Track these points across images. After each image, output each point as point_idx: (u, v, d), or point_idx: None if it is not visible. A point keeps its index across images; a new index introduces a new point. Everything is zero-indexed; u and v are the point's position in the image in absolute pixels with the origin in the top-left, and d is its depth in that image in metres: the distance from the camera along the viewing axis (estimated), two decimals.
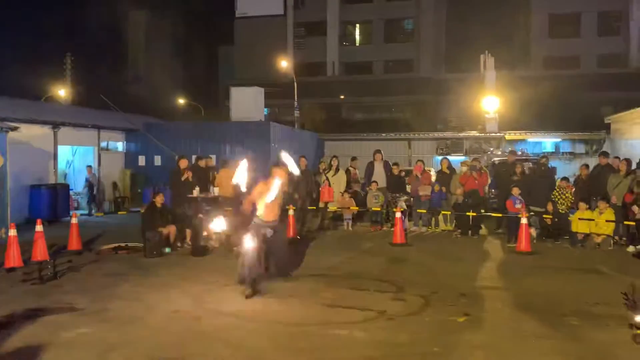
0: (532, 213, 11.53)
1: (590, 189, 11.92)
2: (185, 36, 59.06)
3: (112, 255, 9.95)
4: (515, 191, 11.72)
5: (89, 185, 16.77)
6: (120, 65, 54.22)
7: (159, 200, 10.18)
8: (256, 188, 7.46)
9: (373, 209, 13.47)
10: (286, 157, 7.93)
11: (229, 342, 5.34)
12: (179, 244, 10.38)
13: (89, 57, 41.81)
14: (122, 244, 10.49)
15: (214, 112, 36.71)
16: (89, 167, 17.21)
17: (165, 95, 43.54)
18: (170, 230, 10.09)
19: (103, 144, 18.53)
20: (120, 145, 19.43)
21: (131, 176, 19.00)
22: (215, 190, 11.04)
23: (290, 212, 11.95)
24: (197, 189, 10.53)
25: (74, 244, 10.27)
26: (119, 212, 17.22)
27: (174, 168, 11.43)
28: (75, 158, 18.36)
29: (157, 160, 18.70)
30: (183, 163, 10.83)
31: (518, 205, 11.48)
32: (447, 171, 13.53)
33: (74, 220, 10.49)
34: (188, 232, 10.51)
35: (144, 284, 7.66)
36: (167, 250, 10.03)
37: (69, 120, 17.09)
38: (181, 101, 40.95)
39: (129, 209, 17.62)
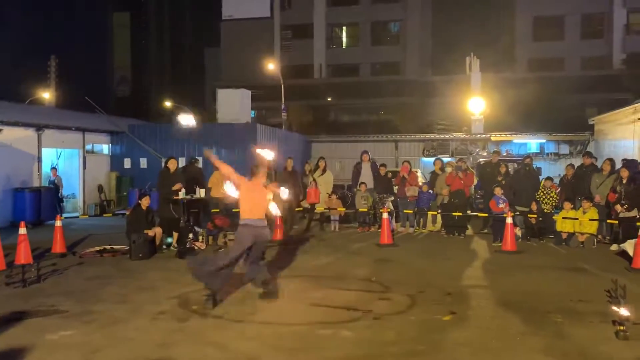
0: (517, 213, 11.63)
1: (575, 188, 12.06)
2: (172, 38, 58.86)
3: (96, 258, 9.87)
4: (498, 191, 11.82)
5: (54, 187, 16.25)
6: (105, 67, 53.82)
7: (145, 202, 10.11)
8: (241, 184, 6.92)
9: (361, 210, 13.49)
10: (264, 153, 7.59)
11: (216, 343, 5.32)
12: (164, 247, 10.31)
13: (74, 59, 41.41)
14: (107, 247, 10.41)
15: (200, 114, 36.56)
16: (54, 168, 16.82)
17: (151, 97, 43.22)
18: (156, 232, 10.03)
19: (88, 147, 18.37)
20: (105, 148, 19.27)
21: (117, 179, 18.85)
22: (202, 192, 10.97)
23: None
24: (183, 190, 10.47)
25: (58, 246, 10.16)
26: (105, 215, 17.07)
27: (162, 169, 11.34)
28: (60, 161, 18.17)
29: (143, 163, 18.56)
30: (172, 164, 10.76)
31: (501, 205, 11.57)
32: (440, 172, 13.59)
33: (58, 223, 10.39)
34: (175, 234, 10.47)
35: (129, 286, 7.60)
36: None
37: (53, 122, 16.91)
38: (167, 103, 40.72)
39: (114, 211, 17.48)
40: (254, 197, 6.82)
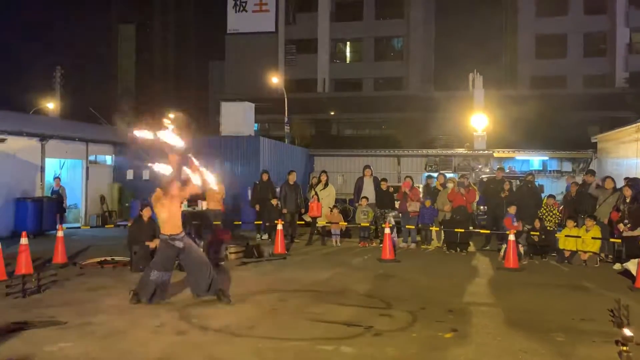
0: (522, 230, 11.60)
1: (578, 206, 12.04)
2: (176, 50, 59.24)
3: (97, 269, 9.84)
4: (513, 209, 11.80)
5: (58, 197, 16.20)
6: (110, 78, 54.12)
7: (146, 213, 10.10)
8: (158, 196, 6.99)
9: (362, 224, 13.47)
10: (171, 140, 7.18)
11: (214, 357, 5.28)
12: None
13: (79, 70, 41.70)
14: (108, 258, 10.39)
15: (204, 126, 36.68)
16: (57, 178, 16.83)
17: (155, 109, 43.32)
18: (157, 244, 9.99)
19: (91, 157, 18.42)
20: (109, 159, 19.33)
21: (119, 189, 18.88)
22: (204, 205, 10.97)
23: (279, 226, 11.92)
24: (185, 202, 10.46)
25: (59, 257, 10.15)
26: (106, 226, 17.07)
27: None
28: (63, 171, 18.22)
29: (146, 174, 18.58)
30: None
31: (516, 224, 11.54)
32: (441, 188, 13.58)
33: (59, 234, 10.38)
34: None
35: (129, 298, 7.56)
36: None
37: (57, 132, 16.98)
38: (171, 115, 40.85)
39: (116, 222, 17.48)
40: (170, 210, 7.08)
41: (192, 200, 10.98)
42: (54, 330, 6.06)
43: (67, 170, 18.28)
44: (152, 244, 9.83)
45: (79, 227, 16.69)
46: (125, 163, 19.07)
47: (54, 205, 15.44)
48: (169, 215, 7.10)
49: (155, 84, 57.10)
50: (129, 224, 10.89)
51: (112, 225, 16.96)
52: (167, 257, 7.20)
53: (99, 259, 10.33)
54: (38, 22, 46.27)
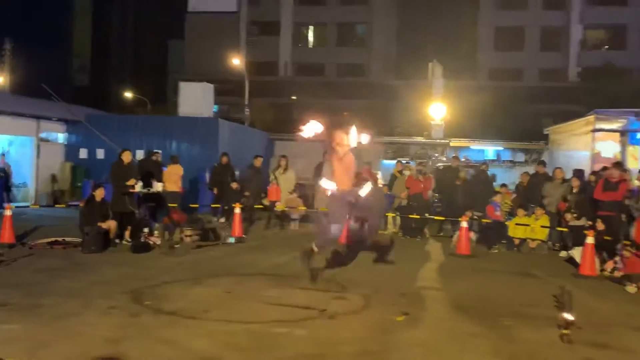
0: (475, 218, 11.90)
1: (529, 196, 12.43)
2: (134, 28, 57.55)
3: (47, 249, 9.57)
4: (498, 198, 12.04)
5: (4, 175, 15.56)
6: (64, 54, 52.11)
7: (99, 194, 9.87)
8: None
9: (321, 209, 13.52)
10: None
11: (167, 340, 5.23)
12: (117, 240, 10.08)
13: (30, 44, 39.94)
14: (59, 239, 10.10)
15: (161, 106, 35.93)
16: (2, 155, 16.17)
17: (111, 87, 42.17)
18: (110, 225, 9.80)
19: (43, 135, 17.79)
20: (60, 137, 18.70)
21: (71, 169, 18.32)
22: (159, 186, 10.78)
23: (237, 210, 11.85)
24: (140, 183, 10.26)
25: (7, 236, 9.80)
26: (57, 206, 16.57)
27: (115, 161, 11.04)
28: (12, 148, 17.53)
29: (100, 154, 18.10)
30: (126, 156, 10.52)
31: (498, 212, 11.77)
32: (399, 175, 13.75)
33: (7, 212, 10.02)
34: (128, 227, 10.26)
35: (80, 280, 7.40)
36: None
37: (6, 108, 16.30)
38: (128, 94, 39.80)
39: (67, 202, 16.98)
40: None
41: (147, 181, 10.73)
42: (1, 311, 5.88)
43: (17, 148, 17.59)
44: (104, 225, 9.62)
45: (28, 206, 16.15)
46: (78, 141, 18.53)
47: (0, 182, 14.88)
48: (340, 173, 7.26)
49: (112, 61, 55.40)
50: (81, 205, 10.61)
51: (64, 205, 16.47)
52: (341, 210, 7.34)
53: (49, 240, 10.03)
54: None
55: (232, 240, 10.87)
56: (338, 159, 7.30)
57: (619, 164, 10.78)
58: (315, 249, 7.18)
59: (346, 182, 7.30)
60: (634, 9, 36.58)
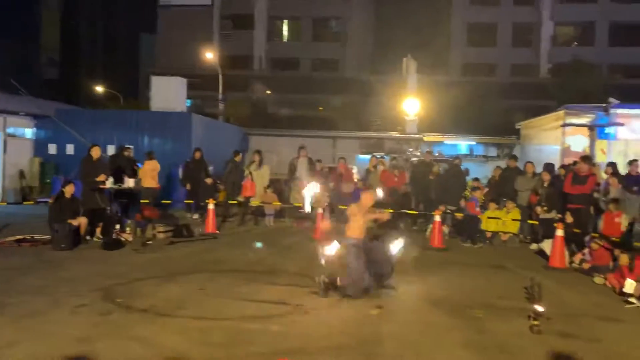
0: (448, 211, 12.02)
1: (500, 189, 12.60)
2: (105, 21, 56.45)
3: (15, 247, 9.33)
4: (478, 194, 12.13)
5: None
6: (32, 47, 50.81)
7: (69, 190, 9.66)
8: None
9: (295, 204, 13.49)
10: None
11: (139, 337, 5.16)
12: (88, 237, 9.89)
13: None
14: (27, 236, 9.87)
15: (133, 101, 35.35)
16: None
17: (81, 81, 41.32)
18: (81, 222, 9.61)
19: (9, 130, 17.33)
20: (29, 132, 18.25)
21: (40, 165, 17.90)
22: (130, 182, 10.61)
23: (211, 206, 11.74)
24: (111, 179, 10.08)
25: None
26: (25, 203, 16.17)
27: (84, 157, 10.81)
28: None
29: (70, 149, 17.72)
30: (95, 151, 10.31)
31: (478, 208, 11.85)
32: (373, 169, 13.79)
33: None
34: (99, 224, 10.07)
35: (49, 278, 7.24)
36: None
37: None
38: (98, 88, 39.05)
39: (36, 199, 16.59)
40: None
41: (118, 177, 10.55)
42: None
43: None
44: (75, 222, 9.43)
45: None
46: (47, 136, 18.11)
47: None
48: (360, 224, 7.08)
49: (82, 54, 54.29)
50: (51, 201, 10.37)
51: (32, 202, 16.08)
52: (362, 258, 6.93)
53: (17, 237, 9.79)
54: None
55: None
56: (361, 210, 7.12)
57: (588, 158, 10.96)
58: (350, 294, 6.72)
59: (362, 227, 7.14)
60: (602, 6, 37.37)
